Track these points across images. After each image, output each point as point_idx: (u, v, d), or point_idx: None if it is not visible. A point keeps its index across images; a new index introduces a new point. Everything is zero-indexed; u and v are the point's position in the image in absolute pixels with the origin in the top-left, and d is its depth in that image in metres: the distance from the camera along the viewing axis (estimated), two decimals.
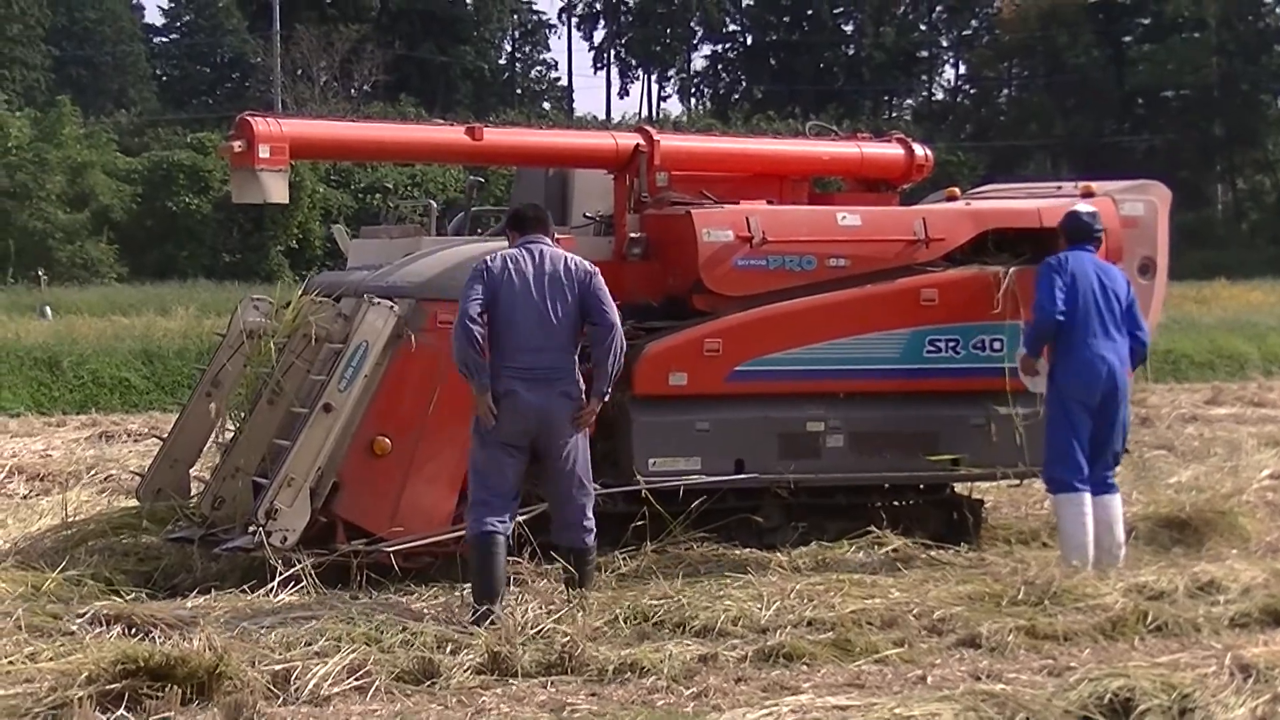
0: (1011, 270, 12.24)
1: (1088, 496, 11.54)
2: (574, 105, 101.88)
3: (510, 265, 10.30)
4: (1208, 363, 31.11)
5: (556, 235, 10.79)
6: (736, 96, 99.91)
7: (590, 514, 10.40)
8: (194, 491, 12.23)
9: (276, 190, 11.71)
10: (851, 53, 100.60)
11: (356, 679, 8.50)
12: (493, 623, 9.55)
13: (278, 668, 8.53)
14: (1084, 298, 11.60)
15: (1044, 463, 11.78)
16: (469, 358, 10.10)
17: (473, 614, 9.81)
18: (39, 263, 48.13)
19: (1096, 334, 11.62)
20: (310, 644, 8.99)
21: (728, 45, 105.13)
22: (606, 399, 10.33)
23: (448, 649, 9.00)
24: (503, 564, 10.15)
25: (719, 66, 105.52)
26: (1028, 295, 11.97)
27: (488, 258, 10.42)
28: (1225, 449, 17.89)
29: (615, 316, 10.27)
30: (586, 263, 10.44)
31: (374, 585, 10.70)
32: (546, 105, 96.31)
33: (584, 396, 10.24)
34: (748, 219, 11.97)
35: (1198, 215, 76.35)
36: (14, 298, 40.94)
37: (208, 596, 10.41)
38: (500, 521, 10.15)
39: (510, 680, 8.69)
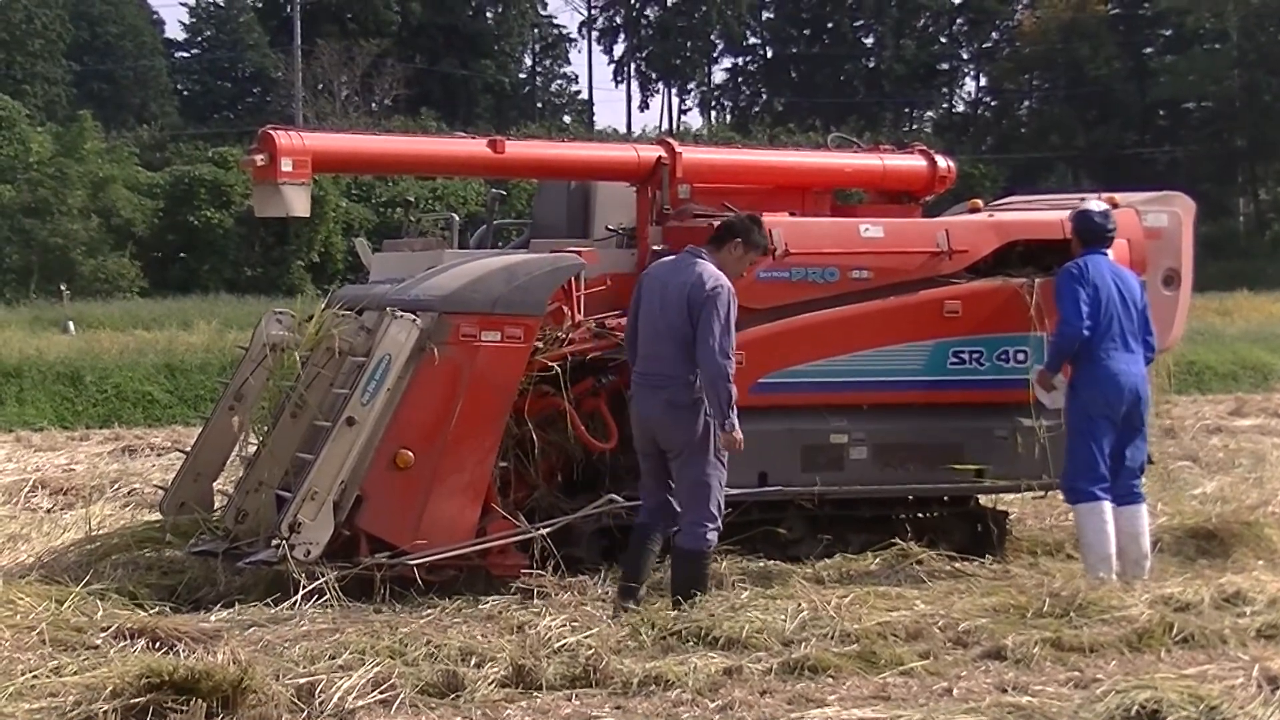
0: (1038, 282, 12.21)
1: (1109, 505, 11.49)
2: (594, 119, 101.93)
3: (657, 274, 10.73)
4: (1231, 374, 31.08)
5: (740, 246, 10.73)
6: (757, 109, 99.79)
7: (705, 522, 10.41)
8: (217, 505, 12.24)
9: (299, 204, 11.73)
10: (872, 65, 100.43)
11: (381, 692, 8.48)
12: (625, 609, 10.20)
13: (302, 681, 8.51)
14: (1106, 309, 11.52)
15: (1064, 474, 11.74)
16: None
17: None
18: (61, 277, 48.18)
19: (1118, 346, 11.55)
20: (334, 657, 8.99)
21: (748, 58, 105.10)
22: (730, 429, 10.25)
23: (472, 662, 8.98)
24: (647, 558, 10.66)
25: (739, 79, 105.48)
26: (1051, 306, 11.94)
27: (652, 264, 11.07)
28: (1250, 460, 17.87)
29: (715, 342, 10.22)
30: (714, 280, 10.38)
31: (398, 598, 10.71)
32: (567, 119, 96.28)
33: (697, 408, 10.35)
34: (770, 231, 11.94)
35: (1220, 227, 76.13)
36: (37, 313, 41.03)
37: (231, 610, 10.41)
38: (648, 520, 10.70)
39: (535, 693, 8.67)
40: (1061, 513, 13.93)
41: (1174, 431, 20.88)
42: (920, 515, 12.65)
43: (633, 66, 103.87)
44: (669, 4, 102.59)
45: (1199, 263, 13.50)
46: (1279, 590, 10.79)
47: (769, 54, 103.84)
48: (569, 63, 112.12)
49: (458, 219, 13.62)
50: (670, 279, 10.52)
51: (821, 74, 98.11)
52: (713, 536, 10.48)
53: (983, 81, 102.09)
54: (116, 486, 15.74)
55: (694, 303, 10.29)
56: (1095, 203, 12.21)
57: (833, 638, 9.61)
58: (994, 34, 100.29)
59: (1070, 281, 11.60)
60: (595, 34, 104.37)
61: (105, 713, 7.90)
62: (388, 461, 10.97)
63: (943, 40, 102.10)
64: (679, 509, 10.59)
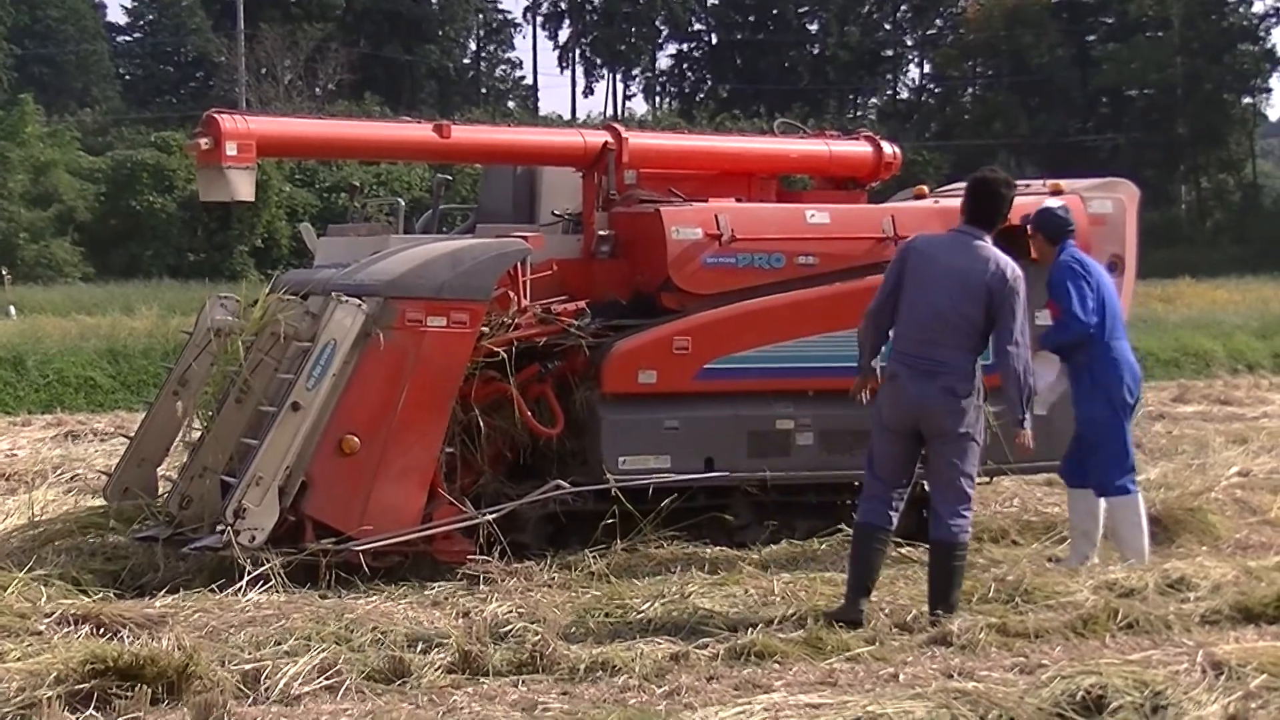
0: None
1: (1141, 497, 11.58)
2: (539, 104, 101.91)
3: (929, 250, 10.02)
4: (1173, 361, 31.19)
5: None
6: (701, 95, 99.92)
7: (963, 513, 9.93)
8: (161, 491, 12.17)
9: (243, 188, 11.67)
10: (816, 52, 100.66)
11: (327, 678, 8.44)
12: (854, 621, 9.53)
13: (247, 667, 8.47)
14: (1109, 302, 11.55)
15: (1101, 470, 11.56)
16: (860, 337, 10.21)
17: (840, 606, 9.78)
18: (2, 262, 47.87)
19: (1122, 335, 11.63)
20: (280, 643, 8.93)
21: (693, 44, 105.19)
22: (1026, 427, 9.94)
23: (418, 648, 8.94)
24: (877, 558, 9.97)
25: (684, 65, 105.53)
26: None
27: (917, 237, 10.32)
28: (1193, 447, 17.96)
29: (1023, 336, 9.82)
30: (1013, 269, 9.87)
31: (343, 584, 10.66)
32: (511, 104, 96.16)
33: (973, 398, 9.83)
34: (716, 217, 11.96)
35: (1162, 214, 76.59)
36: None
37: (176, 596, 10.33)
38: (882, 512, 9.95)
39: (481, 679, 8.64)
40: (1005, 499, 14.01)
41: None
42: None
43: (577, 52, 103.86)
44: None
45: (1142, 250, 13.55)
46: (1223, 576, 10.83)
47: (714, 40, 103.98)
48: (513, 48, 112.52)
49: (403, 204, 13.59)
50: (952, 261, 9.87)
51: (766, 60, 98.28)
52: (970, 527, 10.07)
53: (926, 68, 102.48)
54: (59, 472, 15.63)
55: (995, 293, 9.77)
56: (1053, 201, 12.21)
57: (779, 623, 9.61)
58: (938, 21, 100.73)
59: (1073, 277, 11.49)
60: (540, 19, 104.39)
61: (49, 699, 7.83)
62: (333, 447, 10.92)
63: (887, 27, 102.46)
64: (901, 504, 10.08)
